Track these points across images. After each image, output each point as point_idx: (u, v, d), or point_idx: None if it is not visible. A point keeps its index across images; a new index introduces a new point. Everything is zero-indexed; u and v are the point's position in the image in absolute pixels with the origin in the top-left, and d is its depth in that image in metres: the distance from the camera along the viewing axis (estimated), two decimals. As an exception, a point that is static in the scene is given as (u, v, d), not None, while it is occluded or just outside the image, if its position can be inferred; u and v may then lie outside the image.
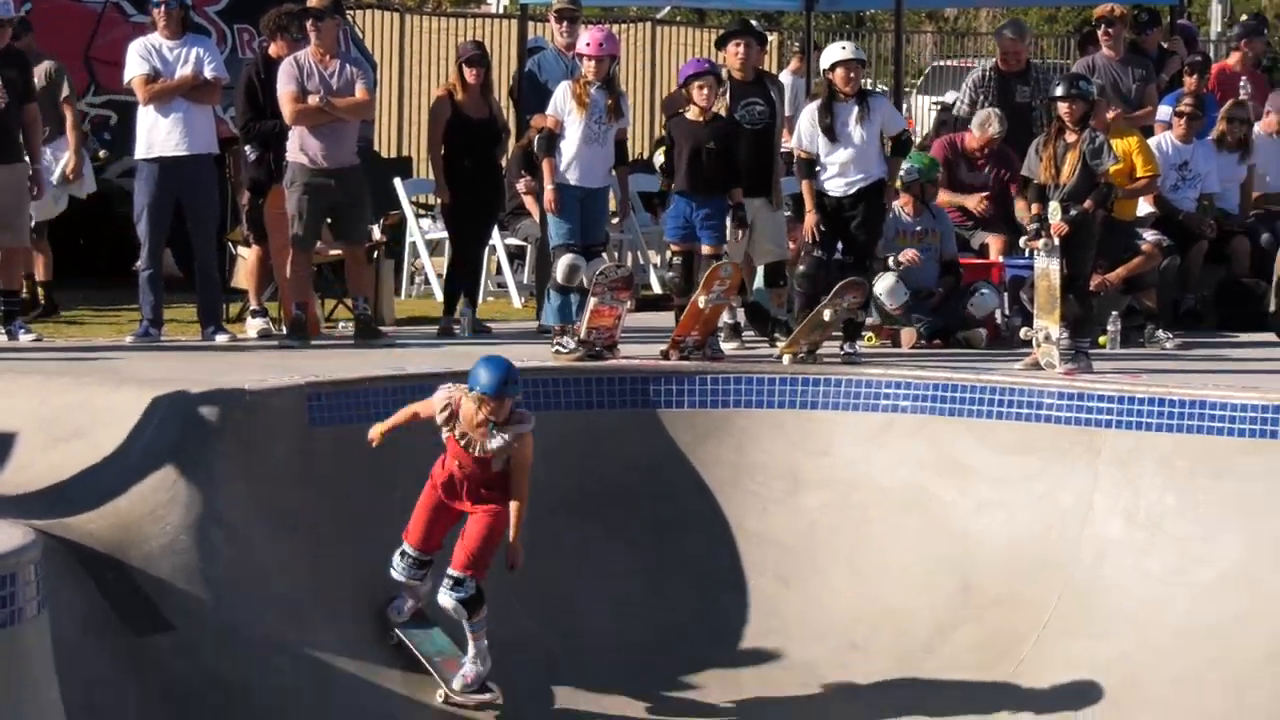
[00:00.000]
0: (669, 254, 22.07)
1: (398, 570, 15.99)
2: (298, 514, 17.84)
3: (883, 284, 21.08)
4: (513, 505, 15.39)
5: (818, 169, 21.33)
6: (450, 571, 15.31)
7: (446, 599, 15.30)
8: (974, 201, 23.54)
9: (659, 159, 22.64)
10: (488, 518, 15.32)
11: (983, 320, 21.22)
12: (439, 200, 23.95)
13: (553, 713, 17.09)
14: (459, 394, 15.33)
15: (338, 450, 18.40)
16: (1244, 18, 37.08)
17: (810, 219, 21.17)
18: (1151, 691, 16.66)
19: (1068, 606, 17.50)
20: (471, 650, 15.47)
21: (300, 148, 20.99)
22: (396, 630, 16.03)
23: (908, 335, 21.64)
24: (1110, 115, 22.61)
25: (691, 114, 21.17)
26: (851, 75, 21.53)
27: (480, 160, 22.86)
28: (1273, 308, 22.13)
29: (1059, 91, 20.96)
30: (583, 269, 20.84)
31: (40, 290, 22.03)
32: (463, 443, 15.38)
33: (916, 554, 18.29)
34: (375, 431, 16.39)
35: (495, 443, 15.06)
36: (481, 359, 15.40)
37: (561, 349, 20.52)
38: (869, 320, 21.84)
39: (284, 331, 21.29)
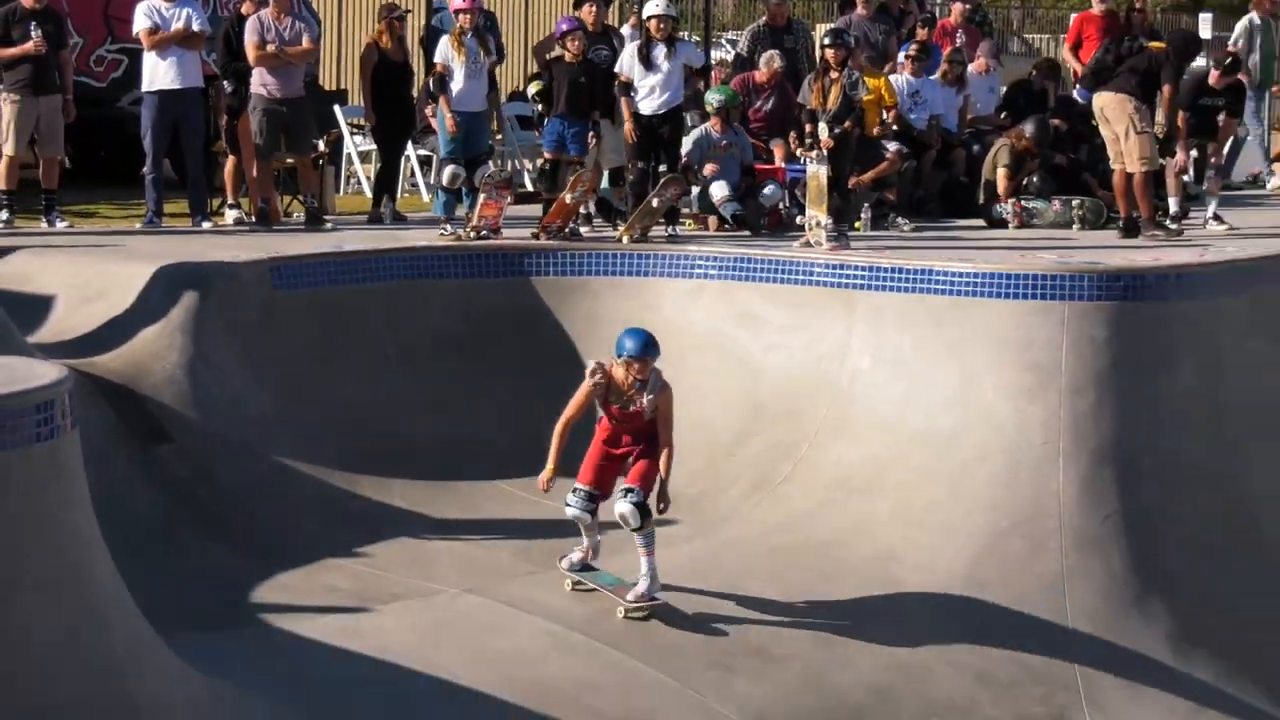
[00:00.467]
0: (541, 161, 21.80)
1: (572, 505, 14.92)
2: (265, 355, 17.58)
3: (716, 187, 20.65)
4: (662, 453, 14.74)
5: (633, 91, 21.26)
6: (623, 485, 14.69)
7: (623, 504, 14.52)
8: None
9: (533, 90, 22.36)
10: (647, 457, 14.78)
11: (770, 210, 21.09)
12: (368, 122, 23.82)
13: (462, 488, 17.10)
14: (609, 363, 14.72)
15: (295, 307, 18.22)
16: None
17: (628, 127, 21.22)
18: (893, 481, 16.62)
19: (832, 420, 17.50)
20: (644, 567, 14.68)
21: (261, 83, 20.94)
22: (571, 576, 15.19)
23: (714, 221, 21.18)
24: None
25: (567, 58, 21.07)
26: (661, 25, 21.43)
27: (398, 92, 22.74)
28: (981, 200, 22.15)
29: (826, 41, 20.98)
30: (461, 175, 20.95)
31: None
32: (618, 404, 14.80)
33: (721, 382, 18.22)
34: (544, 479, 15.12)
35: (646, 399, 14.58)
36: (625, 330, 14.88)
37: (444, 232, 20.53)
38: (686, 210, 21.62)
39: (253, 220, 21.02)
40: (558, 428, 14.89)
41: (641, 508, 14.36)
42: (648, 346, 14.51)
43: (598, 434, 15.10)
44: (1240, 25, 26.80)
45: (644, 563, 14.62)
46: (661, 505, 14.63)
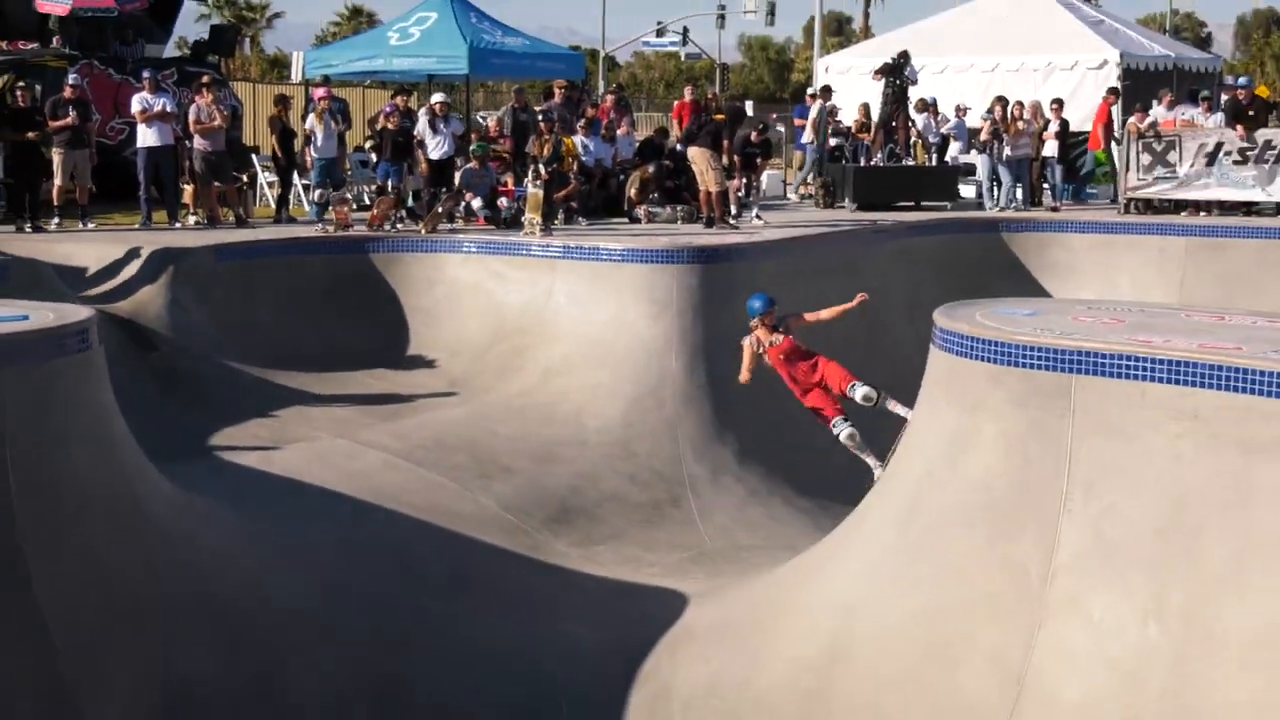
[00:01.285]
0: (374, 188, 21.05)
1: (844, 434, 12.62)
2: (213, 300, 17.28)
3: (475, 201, 20.43)
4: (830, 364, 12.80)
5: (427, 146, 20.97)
6: (850, 389, 12.54)
7: (858, 393, 12.52)
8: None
9: (368, 145, 22.00)
10: (827, 365, 12.76)
11: (508, 214, 20.84)
12: (274, 163, 22.89)
13: (332, 377, 16.98)
14: (753, 332, 12.86)
15: (230, 273, 17.86)
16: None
17: (423, 167, 21.03)
18: (578, 367, 16.79)
19: (543, 334, 17.59)
20: (892, 404, 12.54)
21: (199, 143, 20.19)
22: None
23: (477, 220, 20.93)
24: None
25: (390, 127, 20.57)
26: (441, 108, 21.46)
27: (287, 145, 21.94)
28: (625, 208, 22.00)
29: (540, 116, 21.10)
30: (326, 195, 20.27)
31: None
32: (773, 349, 12.80)
33: (480, 312, 18.27)
34: (744, 376, 13.03)
35: (778, 338, 12.74)
36: (750, 296, 13.07)
37: (318, 228, 19.77)
38: (459, 215, 20.86)
39: (204, 223, 20.43)
40: (744, 378, 13.00)
41: (872, 391, 12.60)
42: (764, 304, 12.84)
43: (796, 393, 13.07)
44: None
45: (891, 402, 12.59)
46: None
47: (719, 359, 16.69)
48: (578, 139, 22.25)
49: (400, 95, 22.51)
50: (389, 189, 20.37)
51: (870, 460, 12.51)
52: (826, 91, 27.05)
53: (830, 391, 12.76)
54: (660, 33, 64.93)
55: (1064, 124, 24.35)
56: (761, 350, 12.85)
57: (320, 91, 21.56)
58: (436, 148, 20.80)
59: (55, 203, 20.01)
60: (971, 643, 9.84)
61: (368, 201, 21.49)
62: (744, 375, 12.96)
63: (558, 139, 20.88)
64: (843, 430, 12.63)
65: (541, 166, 19.86)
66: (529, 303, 18.01)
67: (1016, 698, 9.41)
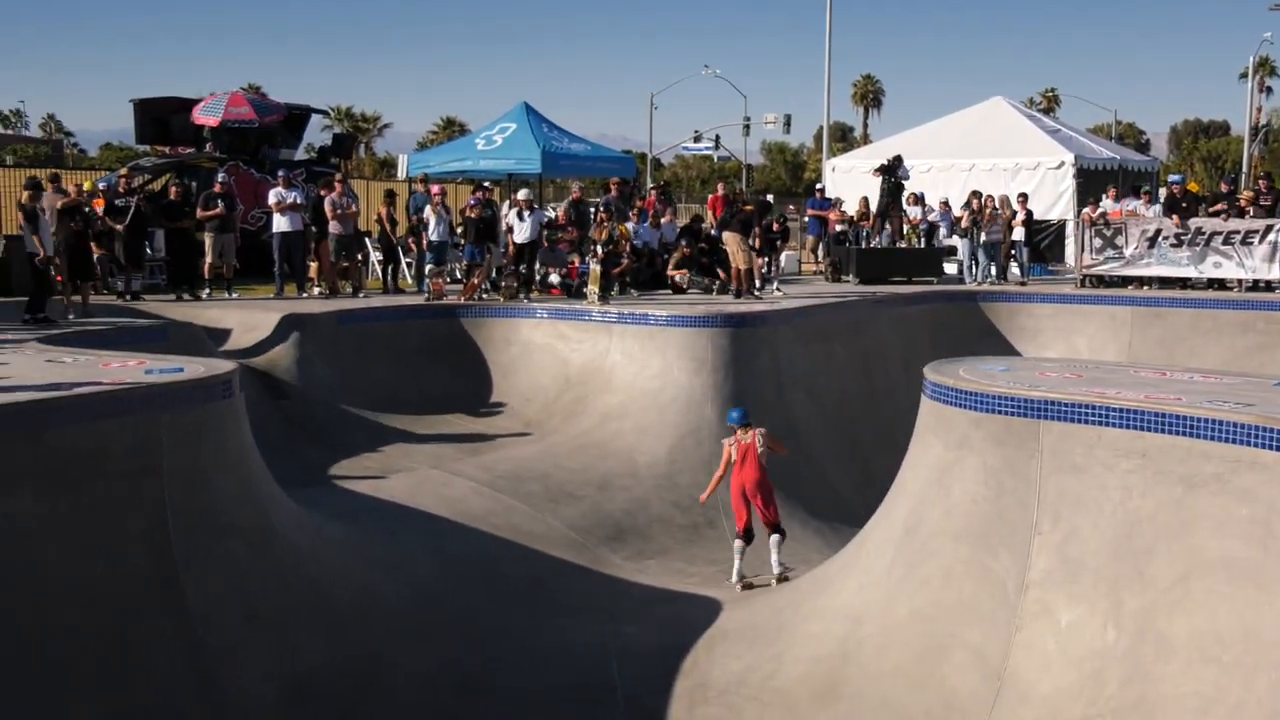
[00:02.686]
0: (463, 266, 20.82)
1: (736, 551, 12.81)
2: (334, 357, 17.23)
3: (552, 276, 20.19)
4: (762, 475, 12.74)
5: (513, 231, 20.56)
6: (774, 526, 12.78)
7: (773, 539, 12.70)
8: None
9: (459, 231, 21.71)
10: (763, 490, 12.73)
11: (573, 287, 20.79)
12: (378, 247, 22.86)
13: (428, 419, 16.90)
14: (732, 438, 12.79)
15: (349, 334, 17.82)
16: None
17: (511, 250, 20.47)
18: (631, 413, 16.71)
19: (601, 385, 17.52)
20: (774, 557, 12.64)
21: (333, 227, 20.46)
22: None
23: (552, 291, 20.83)
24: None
25: (473, 216, 20.20)
26: (526, 201, 20.96)
27: (394, 230, 21.78)
28: (668, 282, 21.82)
29: (600, 207, 21.06)
30: (434, 270, 20.22)
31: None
32: (741, 444, 12.70)
33: (550, 368, 18.14)
34: (704, 496, 13.46)
35: (747, 436, 12.70)
36: (730, 409, 13.54)
37: (423, 296, 19.71)
38: (535, 289, 20.82)
39: (328, 293, 20.44)
40: (715, 482, 13.03)
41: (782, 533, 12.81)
42: (741, 416, 12.88)
43: (735, 493, 12.80)
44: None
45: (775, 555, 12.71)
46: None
47: (747, 407, 16.62)
48: (630, 225, 22.22)
49: (481, 190, 22.52)
50: (475, 267, 20.28)
51: (735, 568, 12.85)
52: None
53: (750, 512, 12.78)
54: (697, 139, 64.94)
55: (1029, 214, 24.22)
56: (731, 445, 12.84)
57: (435, 189, 21.49)
58: (521, 233, 20.74)
59: (206, 277, 20.09)
60: (959, 643, 9.73)
61: (457, 276, 21.40)
62: (707, 492, 13.41)
63: (614, 226, 20.90)
64: (737, 544, 12.89)
65: (600, 248, 19.87)
66: (590, 359, 17.92)
67: (998, 690, 9.29)
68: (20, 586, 8.71)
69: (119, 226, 19.27)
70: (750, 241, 20.67)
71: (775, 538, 12.72)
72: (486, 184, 25.14)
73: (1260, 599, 8.51)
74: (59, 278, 16.86)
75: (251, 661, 9.75)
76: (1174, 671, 8.69)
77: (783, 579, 12.52)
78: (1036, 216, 25.79)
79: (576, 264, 21.44)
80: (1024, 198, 24.52)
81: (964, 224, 23.97)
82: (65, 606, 8.90)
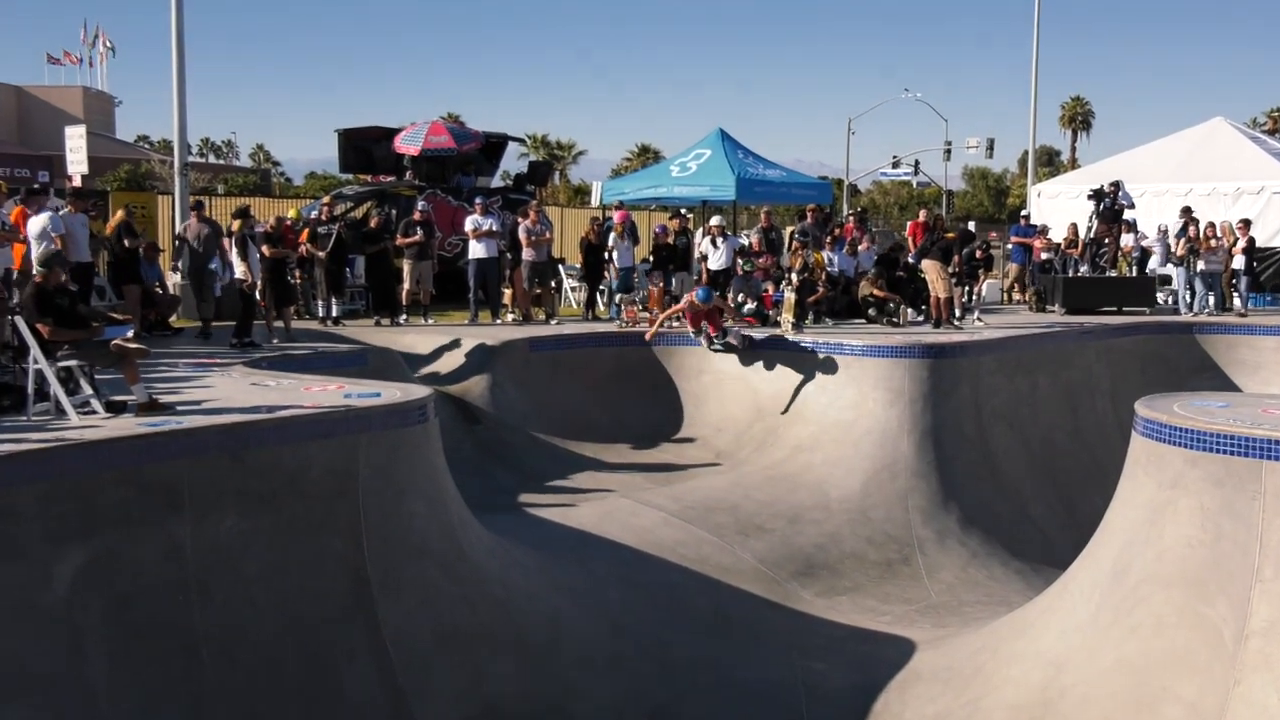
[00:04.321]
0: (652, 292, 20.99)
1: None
2: (526, 383, 17.51)
3: (747, 306, 20.16)
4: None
5: (706, 259, 20.84)
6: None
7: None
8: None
9: (651, 258, 21.85)
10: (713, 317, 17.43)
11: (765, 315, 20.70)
12: (579, 271, 23.16)
13: (619, 448, 17.04)
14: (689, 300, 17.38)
15: (541, 361, 18.07)
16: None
17: (703, 276, 20.55)
18: (823, 445, 16.57)
19: (794, 416, 17.45)
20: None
21: (526, 255, 20.87)
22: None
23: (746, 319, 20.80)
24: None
25: (658, 243, 20.67)
26: (719, 229, 21.09)
27: (592, 258, 22.08)
28: (864, 310, 21.56)
29: (796, 235, 20.95)
30: (624, 298, 20.55)
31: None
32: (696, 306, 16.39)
33: (741, 397, 18.09)
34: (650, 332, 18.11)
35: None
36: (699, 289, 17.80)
37: (617, 324, 19.91)
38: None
39: (521, 319, 20.81)
40: (662, 315, 18.14)
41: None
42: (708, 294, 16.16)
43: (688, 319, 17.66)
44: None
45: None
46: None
47: (945, 440, 16.36)
48: (826, 252, 22.06)
49: (675, 219, 22.61)
50: (665, 293, 20.34)
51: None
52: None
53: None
54: (895, 164, 64.38)
55: (1251, 240, 23.25)
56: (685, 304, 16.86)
57: (619, 215, 21.73)
58: (716, 260, 20.76)
59: (404, 303, 20.65)
60: (1171, 696, 9.34)
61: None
62: (655, 328, 18.20)
63: (809, 254, 20.78)
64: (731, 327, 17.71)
65: (794, 275, 19.78)
66: (782, 389, 17.79)
67: (1213, 748, 8.90)
68: (222, 603, 9.09)
69: (321, 253, 19.98)
70: (951, 269, 20.36)
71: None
72: (682, 211, 25.30)
73: None
74: (262, 303, 17.58)
75: (442, 684, 9.96)
76: None
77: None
78: (1259, 243, 24.74)
79: (771, 292, 21.38)
80: (1245, 224, 23.54)
81: (1180, 251, 23.15)
82: (264, 623, 9.25)
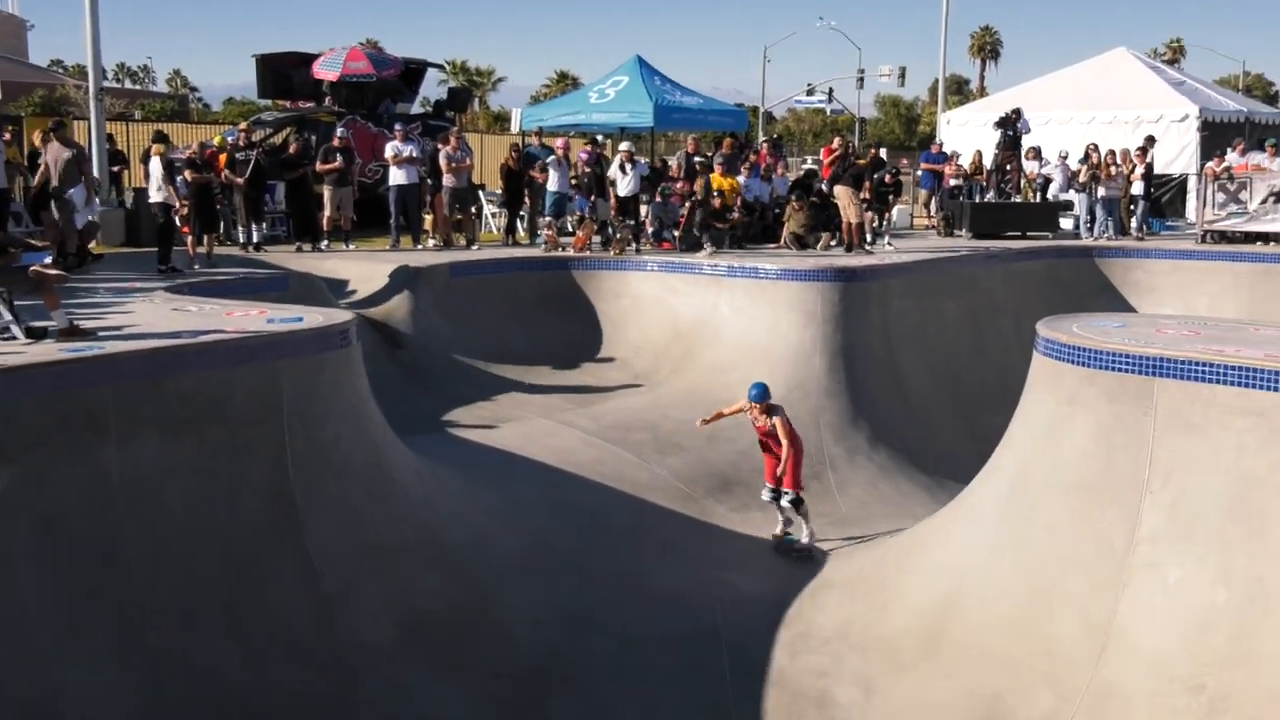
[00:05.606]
0: (575, 218, 20.85)
1: (764, 496, 12.81)
2: (447, 308, 17.43)
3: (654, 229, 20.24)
4: (788, 452, 12.31)
5: (616, 184, 20.82)
6: (782, 488, 12.54)
7: (783, 501, 12.55)
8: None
9: (572, 184, 21.80)
10: (788, 461, 12.39)
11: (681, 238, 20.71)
12: (499, 198, 22.98)
13: (539, 370, 17.08)
14: (751, 407, 12.43)
15: (462, 286, 17.97)
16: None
17: (613, 202, 20.63)
18: (739, 366, 16.64)
19: (710, 339, 17.61)
20: (804, 530, 12.55)
21: (448, 180, 20.55)
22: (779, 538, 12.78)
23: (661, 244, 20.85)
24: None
25: (586, 170, 20.44)
26: (628, 154, 21.09)
27: (512, 185, 22.00)
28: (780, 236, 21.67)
29: (716, 161, 20.95)
30: (550, 222, 20.36)
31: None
32: (759, 426, 12.51)
33: (660, 320, 18.22)
34: (699, 422, 12.92)
35: (771, 421, 12.38)
36: (752, 383, 12.63)
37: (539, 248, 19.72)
38: (646, 241, 20.81)
39: (442, 245, 20.74)
40: (715, 414, 12.81)
41: (794, 500, 12.47)
42: (761, 393, 12.37)
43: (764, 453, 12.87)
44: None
45: (804, 527, 12.54)
46: (800, 490, 12.51)
47: (855, 361, 16.57)
48: (742, 178, 22.11)
49: (593, 145, 22.50)
50: (587, 219, 20.33)
51: (794, 526, 12.50)
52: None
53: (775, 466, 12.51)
54: (810, 92, 64.06)
55: (1149, 166, 23.65)
56: (750, 420, 12.59)
57: (560, 142, 21.59)
58: (625, 186, 20.72)
59: (324, 229, 20.41)
60: (1064, 596, 9.68)
61: (570, 229, 21.43)
62: (708, 420, 12.87)
63: (707, 179, 20.97)
64: (765, 493, 12.77)
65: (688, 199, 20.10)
66: (699, 312, 17.93)
67: (1103, 644, 9.24)
68: (145, 530, 9.03)
69: (239, 180, 19.69)
70: (863, 195, 20.51)
71: (785, 503, 12.60)
72: (598, 137, 25.18)
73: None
74: (184, 229, 17.31)
75: (367, 600, 10.01)
76: (1283, 629, 8.58)
77: (803, 552, 12.36)
78: (1158, 170, 25.16)
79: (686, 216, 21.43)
80: (1144, 148, 23.89)
81: (1082, 178, 23.50)
82: (189, 548, 9.22)
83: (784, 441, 12.28)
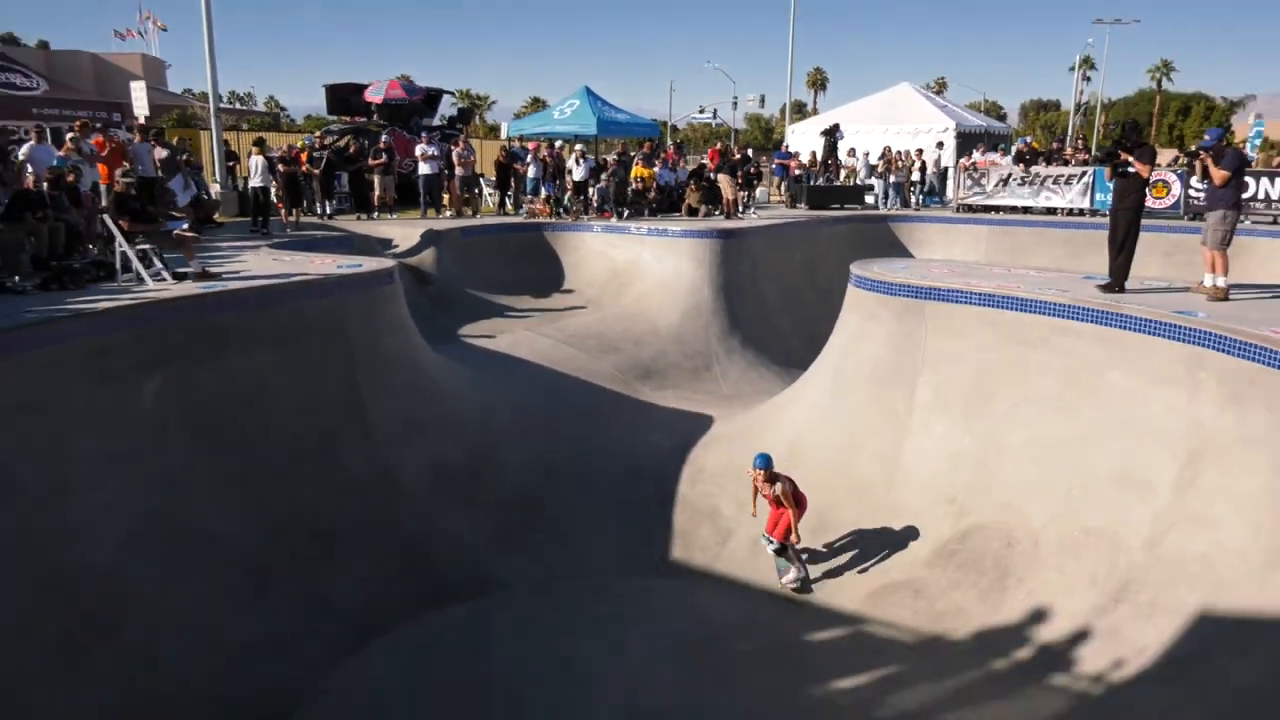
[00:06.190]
0: (545, 196, 20.34)
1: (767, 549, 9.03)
2: (460, 259, 17.00)
3: (595, 195, 19.61)
4: (789, 513, 8.66)
5: (571, 172, 20.01)
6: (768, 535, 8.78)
7: (769, 549, 8.91)
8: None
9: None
10: (780, 519, 8.64)
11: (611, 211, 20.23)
12: (492, 180, 22.23)
13: (524, 300, 16.71)
14: (755, 475, 8.86)
15: (471, 243, 17.47)
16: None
17: (569, 184, 19.83)
18: (655, 302, 16.39)
19: (638, 275, 17.04)
20: (792, 570, 8.82)
21: (460, 173, 19.79)
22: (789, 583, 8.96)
23: (604, 214, 20.35)
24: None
25: (549, 162, 19.67)
26: (580, 149, 20.42)
27: (504, 173, 21.22)
28: (682, 208, 21.26)
29: (639, 158, 20.37)
30: (534, 199, 19.61)
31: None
32: (762, 490, 8.84)
33: (597, 265, 17.77)
34: (754, 510, 9.34)
35: (773, 488, 8.70)
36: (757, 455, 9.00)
37: (521, 217, 18.98)
38: (593, 211, 20.26)
39: (455, 216, 20.06)
40: (753, 498, 9.25)
41: (778, 549, 8.88)
42: (765, 463, 8.83)
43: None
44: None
45: (790, 569, 8.91)
46: (794, 539, 8.77)
47: (732, 291, 16.45)
48: (657, 169, 21.75)
49: (551, 147, 21.88)
50: (548, 198, 19.91)
51: (784, 569, 9.06)
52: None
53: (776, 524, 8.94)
54: (701, 111, 63.03)
55: (924, 163, 23.67)
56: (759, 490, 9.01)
57: (532, 145, 20.94)
58: (578, 174, 20.27)
59: (375, 205, 19.86)
60: (867, 446, 9.78)
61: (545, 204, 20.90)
62: (755, 509, 9.40)
63: (627, 168, 20.57)
64: (765, 543, 9.13)
65: (605, 177, 19.70)
66: (629, 259, 17.64)
67: (893, 474, 9.37)
68: (262, 409, 8.89)
69: (316, 171, 19.14)
70: (736, 181, 20.30)
71: (769, 550, 9.11)
72: (559, 141, 24.59)
73: (1065, 419, 8.53)
74: (279, 204, 16.77)
75: (409, 455, 9.93)
76: (1007, 466, 8.75)
77: (799, 590, 8.87)
78: (929, 165, 25.16)
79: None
80: (919, 151, 23.88)
81: (880, 169, 23.42)
82: (289, 421, 9.09)
83: (785, 506, 8.89)
